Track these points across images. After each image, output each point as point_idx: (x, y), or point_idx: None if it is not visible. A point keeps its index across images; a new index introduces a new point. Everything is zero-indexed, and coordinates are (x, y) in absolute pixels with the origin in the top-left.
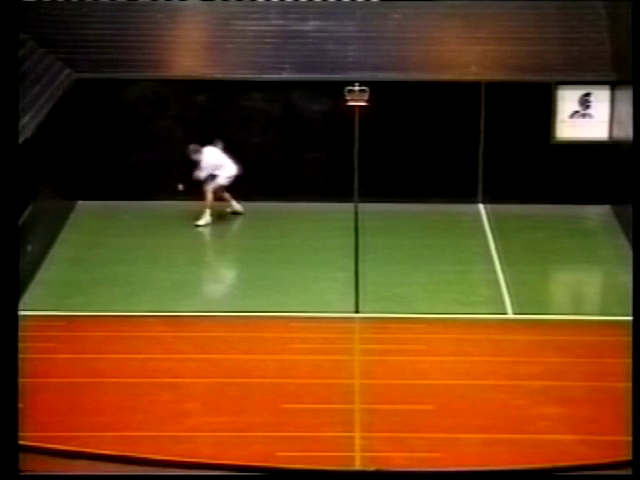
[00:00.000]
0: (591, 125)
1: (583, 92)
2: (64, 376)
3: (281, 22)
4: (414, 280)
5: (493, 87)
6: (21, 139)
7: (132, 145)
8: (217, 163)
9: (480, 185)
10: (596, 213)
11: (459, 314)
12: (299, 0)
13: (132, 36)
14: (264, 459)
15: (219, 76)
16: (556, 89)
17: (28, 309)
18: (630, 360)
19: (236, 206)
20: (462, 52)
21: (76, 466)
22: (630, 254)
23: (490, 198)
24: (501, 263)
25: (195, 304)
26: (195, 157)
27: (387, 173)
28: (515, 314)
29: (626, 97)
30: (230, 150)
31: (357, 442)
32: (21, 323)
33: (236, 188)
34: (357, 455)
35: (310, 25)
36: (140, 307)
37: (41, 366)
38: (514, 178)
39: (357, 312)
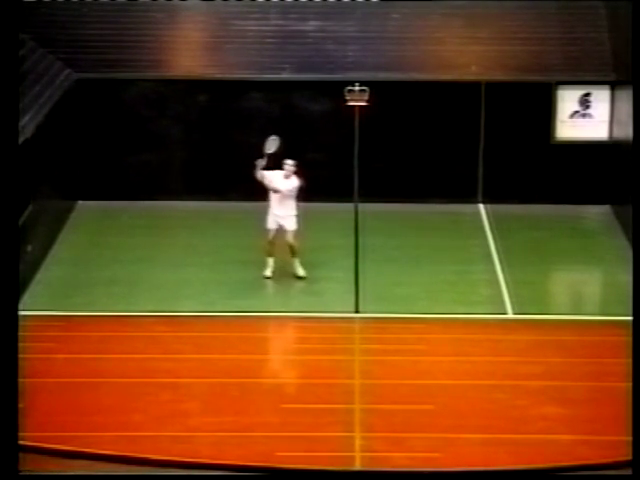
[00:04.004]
0: (591, 125)
1: (583, 92)
2: (64, 376)
3: (281, 22)
4: (414, 280)
5: (493, 87)
6: (21, 139)
7: (132, 145)
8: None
9: (480, 185)
10: (596, 213)
11: (459, 314)
12: (299, 0)
13: (132, 36)
14: (264, 459)
15: (219, 76)
16: (556, 89)
17: (28, 309)
18: (630, 360)
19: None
20: (462, 52)
21: (75, 466)
22: (630, 254)
23: (490, 198)
24: (501, 263)
25: (195, 304)
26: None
27: (387, 173)
28: (515, 314)
29: (626, 97)
30: (230, 150)
31: (357, 442)
32: (21, 323)
33: (238, 189)
34: (357, 455)
35: (310, 25)
36: (140, 307)
37: (41, 366)
38: (514, 178)
39: (357, 312)
